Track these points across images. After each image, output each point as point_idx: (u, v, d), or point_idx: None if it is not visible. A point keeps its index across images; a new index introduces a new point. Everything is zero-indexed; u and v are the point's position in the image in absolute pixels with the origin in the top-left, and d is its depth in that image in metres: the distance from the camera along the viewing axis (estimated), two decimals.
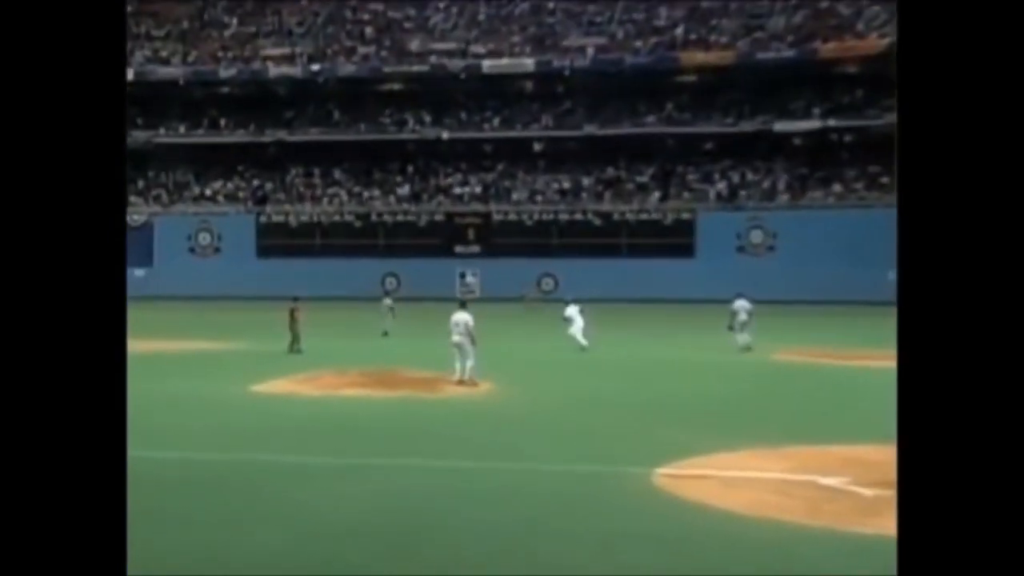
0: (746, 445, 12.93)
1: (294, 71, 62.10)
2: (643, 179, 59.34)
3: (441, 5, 65.80)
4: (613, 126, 59.52)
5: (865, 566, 7.82)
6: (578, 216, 56.99)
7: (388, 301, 33.18)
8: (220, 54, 63.77)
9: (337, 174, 62.26)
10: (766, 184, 57.59)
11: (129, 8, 51.34)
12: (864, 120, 53.91)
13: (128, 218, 53.17)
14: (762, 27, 59.90)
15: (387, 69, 61.78)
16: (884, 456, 9.55)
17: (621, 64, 59.67)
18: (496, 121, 61.61)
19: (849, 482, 10.55)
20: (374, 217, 58.61)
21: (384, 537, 8.77)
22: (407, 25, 64.82)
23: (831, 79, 57.12)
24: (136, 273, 49.63)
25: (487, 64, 60.70)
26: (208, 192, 62.30)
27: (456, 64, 61.02)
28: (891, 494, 7.21)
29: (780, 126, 57.04)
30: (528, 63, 60.68)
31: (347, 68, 61.92)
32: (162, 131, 62.64)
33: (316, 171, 62.37)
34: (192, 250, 58.93)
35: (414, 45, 62.81)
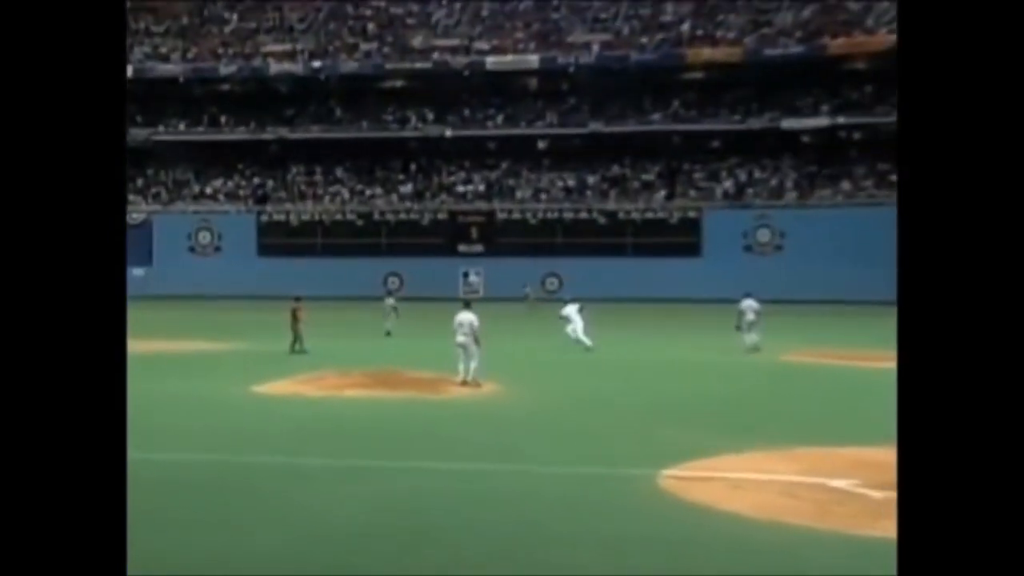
0: (753, 447, 12.92)
1: (295, 68, 62.13)
2: (649, 177, 59.31)
3: (444, 1, 65.80)
4: (618, 123, 59.49)
5: (875, 570, 7.81)
6: (583, 215, 56.98)
7: (391, 301, 33.20)
8: (220, 50, 63.83)
9: (339, 172, 62.29)
10: (774, 182, 57.54)
11: (128, 3, 51.37)
12: (873, 117, 53.82)
13: (127, 217, 53.20)
14: (770, 23, 59.84)
15: (389, 66, 61.79)
16: (894, 458, 9.50)
17: (626, 61, 59.63)
18: (500, 118, 61.60)
19: (858, 484, 10.53)
20: (376, 216, 58.63)
21: (386, 539, 8.77)
22: (409, 21, 64.83)
23: (840, 76, 57.06)
24: (135, 272, 49.64)
25: (491, 61, 60.69)
26: (208, 190, 62.36)
27: (459, 61, 61.01)
28: None
29: (788, 123, 56.96)
30: (532, 60, 60.66)
31: (349, 65, 61.94)
32: (161, 128, 62.71)
33: (318, 169, 62.41)
34: (192, 249, 58.99)
35: (417, 42, 62.81)
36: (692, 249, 54.51)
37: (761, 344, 25.90)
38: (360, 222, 58.48)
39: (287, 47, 63.63)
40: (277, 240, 58.00)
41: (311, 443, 13.56)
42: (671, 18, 62.03)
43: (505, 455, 12.61)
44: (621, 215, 56.59)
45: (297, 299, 26.23)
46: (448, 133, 60.87)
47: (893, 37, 52.46)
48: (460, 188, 60.29)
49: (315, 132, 61.97)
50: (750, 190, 57.25)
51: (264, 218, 59.45)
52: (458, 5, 65.56)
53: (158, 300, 46.89)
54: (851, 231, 49.89)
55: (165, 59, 63.50)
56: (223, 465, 11.88)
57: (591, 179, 59.42)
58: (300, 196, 60.93)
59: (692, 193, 57.83)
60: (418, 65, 61.30)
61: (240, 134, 62.37)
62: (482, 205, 58.53)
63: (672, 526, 9.26)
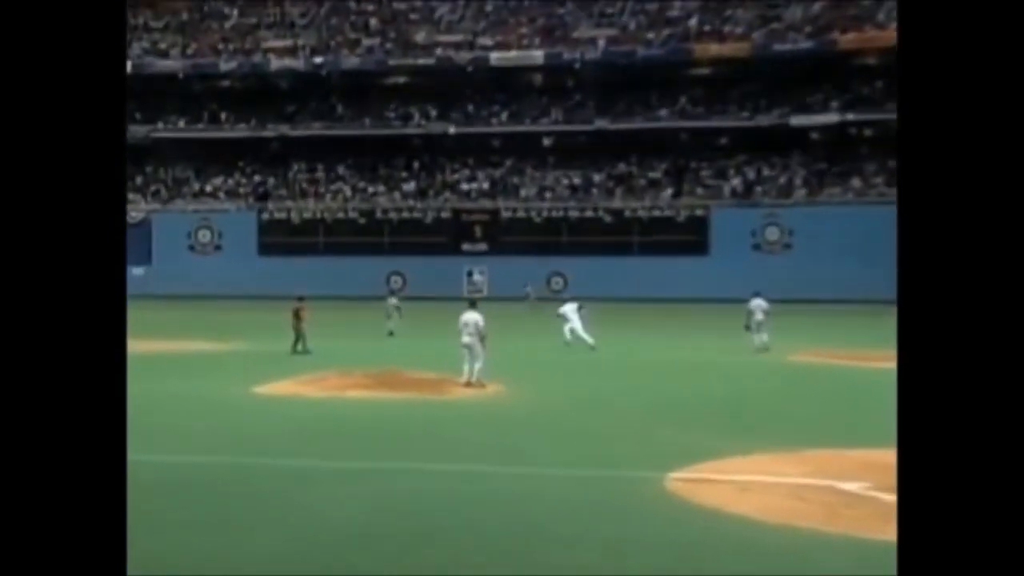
0: (761, 448, 12.92)
1: (296, 64, 62.22)
2: (655, 175, 59.30)
3: None
4: (625, 120, 59.49)
5: (884, 573, 7.80)
6: (588, 213, 57.00)
7: (393, 300, 33.24)
8: (220, 46, 63.92)
9: (341, 170, 62.36)
10: (782, 180, 57.50)
11: None
12: (884, 113, 53.74)
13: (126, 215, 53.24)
14: (779, 18, 59.80)
15: (392, 62, 61.86)
16: None
17: (633, 56, 59.64)
18: (504, 115, 61.63)
19: (868, 487, 10.52)
20: (379, 214, 58.69)
21: (386, 541, 8.79)
22: (412, 16, 64.88)
23: (850, 71, 57.04)
24: (134, 272, 49.74)
25: (495, 56, 60.73)
26: (208, 188, 62.45)
27: (463, 56, 61.06)
28: None
29: (797, 120, 56.93)
30: (537, 55, 60.70)
31: (351, 61, 62.01)
32: (161, 125, 62.82)
33: (319, 167, 62.48)
34: (192, 248, 59.10)
35: (420, 37, 62.85)
36: (699, 248, 54.51)
37: (770, 344, 25.91)
38: (362, 220, 58.55)
39: (288, 43, 63.71)
40: (278, 239, 58.08)
41: (312, 444, 13.58)
42: (678, 13, 62.02)
43: (508, 456, 12.62)
44: (627, 213, 56.60)
45: (300, 299, 26.26)
46: (452, 130, 60.92)
47: None
48: (464, 186, 60.32)
49: (317, 129, 62.05)
50: (758, 188, 57.22)
51: (265, 216, 59.53)
52: (462, 0, 65.59)
53: (158, 300, 46.96)
54: (861, 229, 49.83)
55: (164, 55, 63.62)
56: (223, 466, 11.91)
57: (597, 177, 59.41)
58: (301, 194, 61.01)
59: (699, 191, 57.82)
60: (421, 61, 61.36)
61: (240, 131, 62.46)
62: (486, 203, 58.56)
63: (679, 529, 9.26)
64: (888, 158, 54.00)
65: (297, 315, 25.64)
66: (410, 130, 61.84)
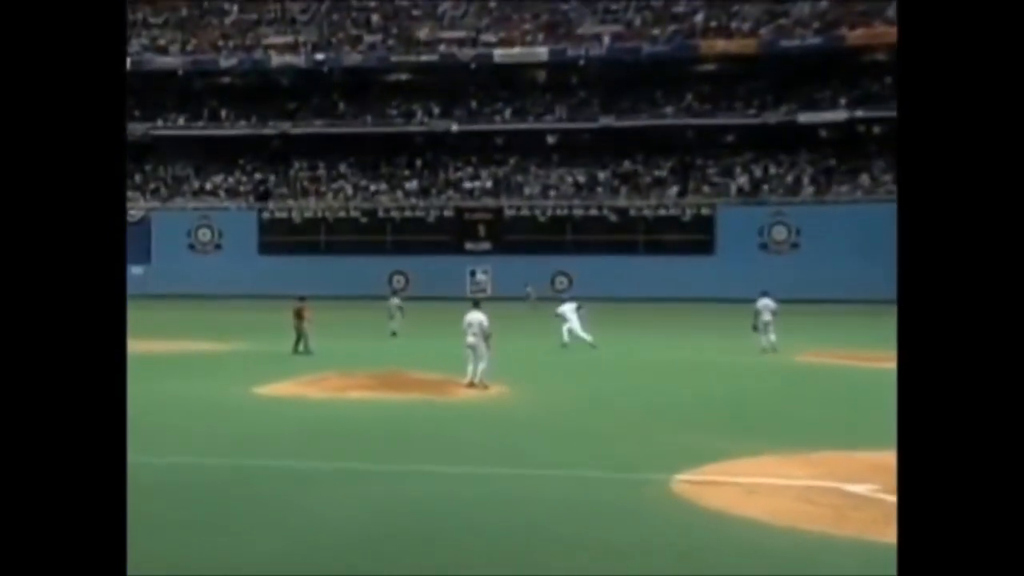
0: (768, 450, 12.92)
1: (298, 61, 62.27)
2: (661, 173, 59.29)
3: None
4: (630, 118, 59.47)
5: None
6: (593, 211, 57.00)
7: (396, 300, 33.27)
8: (220, 43, 63.98)
9: (342, 168, 62.40)
10: (790, 178, 57.47)
11: None
12: (893, 111, 53.49)
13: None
14: (786, 13, 59.77)
15: (394, 59, 61.90)
16: None
17: (638, 53, 59.64)
18: (508, 113, 61.64)
19: (877, 489, 10.52)
20: (381, 213, 58.73)
21: (388, 544, 8.80)
22: (415, 13, 64.91)
23: (859, 68, 57.00)
24: (134, 271, 49.77)
25: (498, 53, 60.75)
26: (208, 186, 62.51)
27: (466, 53, 61.08)
28: None
29: (805, 117, 56.89)
30: (541, 52, 60.70)
31: (353, 57, 62.05)
32: (160, 123, 62.90)
33: (320, 165, 62.53)
34: (192, 247, 59.17)
35: (422, 34, 62.89)
36: (705, 247, 54.50)
37: (778, 345, 25.90)
38: (364, 219, 58.58)
39: (289, 39, 63.76)
40: (279, 238, 58.14)
41: (313, 446, 13.59)
42: (684, 9, 62.01)
43: (511, 458, 12.62)
44: (632, 212, 56.60)
45: (301, 299, 26.28)
46: (455, 128, 60.95)
47: None
48: (467, 184, 60.34)
49: (318, 127, 62.10)
50: (765, 186, 57.19)
51: (266, 215, 59.59)
52: None
53: (157, 299, 47.02)
54: (870, 228, 49.72)
55: (164, 51, 63.69)
56: (223, 468, 11.92)
57: (602, 175, 59.42)
58: (303, 192, 61.06)
59: (706, 189, 57.80)
60: (424, 58, 61.39)
61: (241, 129, 62.53)
62: (490, 202, 58.58)
63: (684, 531, 9.26)
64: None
65: (298, 315, 25.66)
66: (413, 128, 61.88)
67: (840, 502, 10.22)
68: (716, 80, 60.23)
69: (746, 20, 60.13)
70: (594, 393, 19.06)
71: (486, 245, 56.88)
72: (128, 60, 58.04)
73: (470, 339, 19.21)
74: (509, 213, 57.70)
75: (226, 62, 62.82)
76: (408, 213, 58.54)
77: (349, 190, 60.87)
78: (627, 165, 59.84)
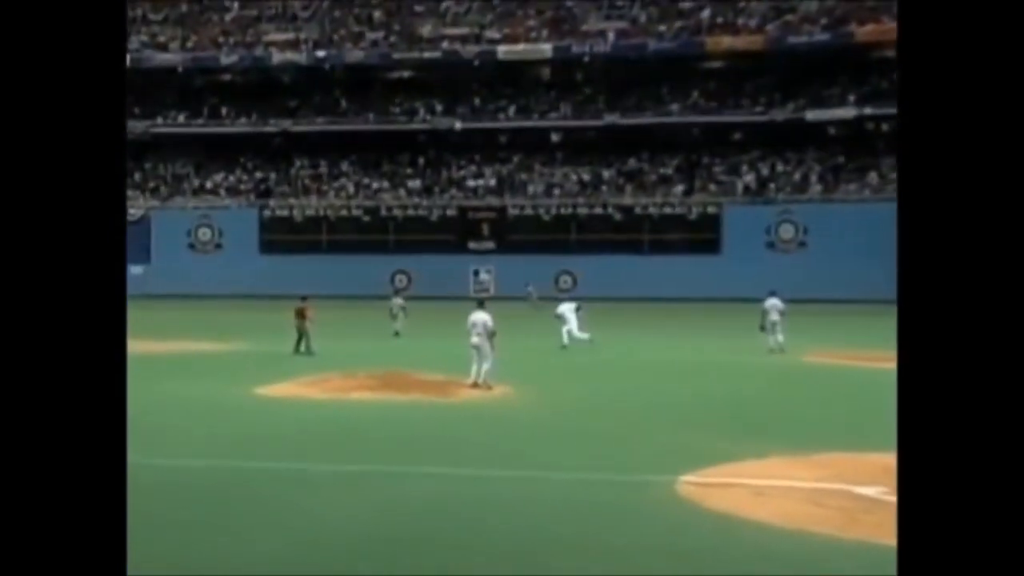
0: (775, 452, 12.91)
1: (299, 57, 62.30)
2: (667, 171, 59.27)
3: None
4: (635, 115, 59.47)
5: None
6: (598, 210, 56.98)
7: (399, 300, 33.29)
8: (221, 39, 64.03)
9: (344, 166, 62.43)
10: (797, 176, 57.42)
11: None
12: None
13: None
14: (793, 9, 59.74)
15: (397, 55, 61.91)
16: None
17: (644, 49, 59.62)
18: (512, 110, 61.65)
19: (886, 492, 10.50)
20: (383, 211, 58.75)
21: (389, 546, 8.80)
22: (418, 9, 64.92)
23: (867, 64, 56.88)
24: (133, 270, 49.84)
25: (502, 50, 60.75)
26: (209, 185, 62.57)
27: (470, 50, 61.09)
28: None
29: (813, 115, 56.86)
30: (545, 48, 60.70)
31: (355, 54, 62.08)
32: (160, 120, 62.97)
33: (322, 163, 62.57)
34: (192, 246, 59.23)
35: (425, 30, 62.91)
36: (712, 246, 54.48)
37: (786, 345, 25.89)
38: (366, 218, 58.62)
39: (290, 36, 63.81)
40: (280, 237, 58.20)
41: (314, 447, 13.61)
42: (690, 5, 61.98)
43: (515, 460, 12.62)
44: (638, 210, 56.58)
45: (304, 298, 26.30)
46: (458, 125, 60.97)
47: None
48: (470, 183, 60.36)
49: (320, 124, 62.15)
50: (772, 184, 57.16)
51: (267, 214, 59.64)
52: None
53: (157, 299, 47.09)
54: (878, 227, 49.45)
55: (164, 48, 63.75)
56: (224, 469, 11.93)
57: (606, 173, 59.41)
58: (304, 191, 61.10)
59: (712, 187, 57.78)
60: (427, 55, 61.41)
61: (242, 126, 62.59)
62: (493, 200, 58.59)
63: (691, 534, 9.26)
64: None
65: (300, 315, 25.67)
66: (415, 125, 61.89)
67: (849, 504, 10.21)
68: (723, 77, 60.20)
69: (753, 16, 60.10)
70: (599, 394, 19.06)
71: (489, 244, 56.90)
72: (128, 57, 58.14)
73: (474, 339, 19.21)
74: (513, 212, 57.70)
75: (227, 59, 62.88)
76: (411, 212, 58.56)
77: (351, 188, 60.91)
78: (632, 163, 59.83)
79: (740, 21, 59.99)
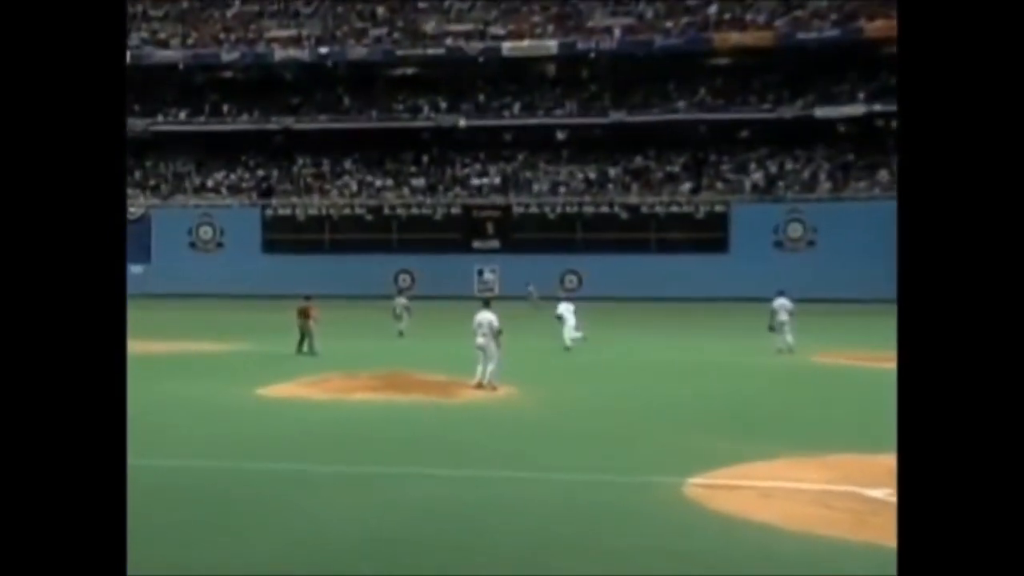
0: (783, 453, 12.91)
1: (301, 54, 62.33)
2: (674, 169, 59.23)
3: None
4: (642, 112, 59.42)
5: None
6: (604, 209, 56.95)
7: (403, 300, 33.30)
8: (222, 36, 64.09)
9: (347, 164, 62.46)
10: (806, 174, 57.36)
11: None
12: None
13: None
14: (802, 5, 59.66)
15: (400, 52, 61.92)
16: None
17: (650, 46, 59.57)
18: (516, 107, 61.63)
19: (895, 494, 10.49)
20: (387, 210, 58.77)
21: (390, 548, 8.82)
22: (421, 5, 64.92)
23: (877, 60, 56.74)
24: (133, 270, 49.88)
25: (507, 46, 60.74)
26: (210, 183, 62.64)
27: (474, 47, 61.08)
28: None
29: (822, 111, 56.77)
30: (551, 45, 60.68)
31: (358, 51, 62.09)
32: (160, 118, 63.03)
33: (325, 161, 62.60)
34: (193, 245, 59.28)
35: (429, 26, 62.91)
36: (719, 245, 54.42)
37: (795, 346, 25.87)
38: (369, 217, 58.63)
39: (292, 32, 63.85)
40: (282, 236, 58.23)
41: (316, 448, 13.64)
42: (697, 1, 61.91)
43: (519, 461, 12.63)
44: (644, 209, 56.54)
45: (307, 298, 26.33)
46: (462, 123, 60.96)
47: None
48: (475, 181, 60.36)
49: (322, 122, 62.17)
50: (781, 182, 57.09)
51: (269, 212, 59.68)
52: None
53: (157, 299, 47.16)
54: (888, 226, 49.20)
55: (164, 45, 63.81)
56: (225, 470, 11.96)
57: (613, 171, 59.38)
58: (306, 189, 61.14)
59: (719, 186, 57.73)
60: (430, 51, 61.41)
61: (243, 124, 62.63)
62: (498, 199, 58.58)
63: (696, 536, 9.26)
64: None
65: (304, 314, 25.69)
66: (419, 123, 61.89)
67: (858, 507, 10.21)
68: (730, 74, 60.14)
69: (761, 12, 60.05)
70: (605, 394, 19.06)
71: (494, 243, 56.89)
72: (128, 54, 58.22)
73: (480, 340, 19.21)
74: (518, 210, 57.69)
75: (228, 56, 62.93)
76: (414, 210, 58.57)
77: (354, 187, 60.94)
78: (639, 161, 59.79)
79: (748, 17, 59.94)
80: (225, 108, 63.49)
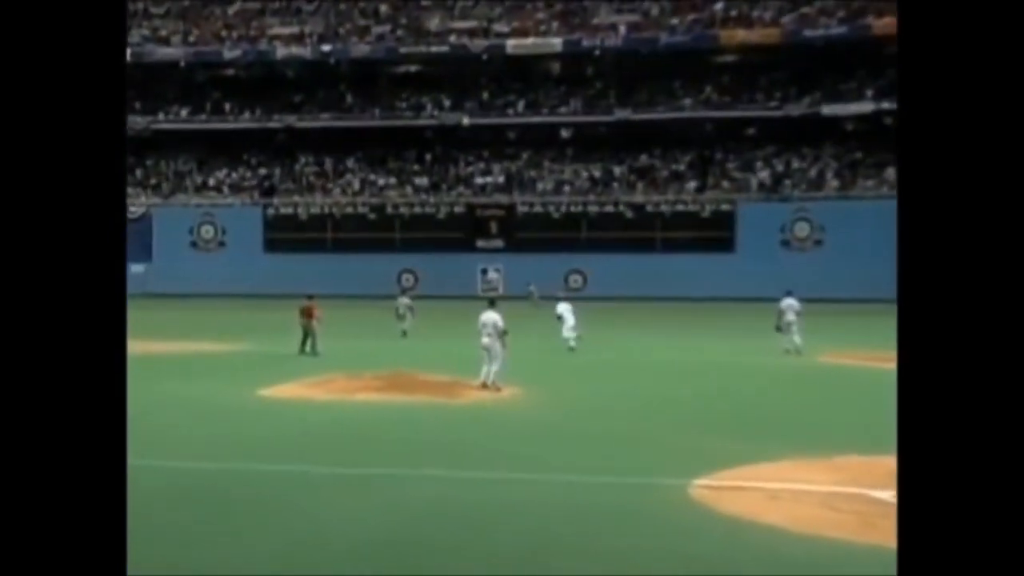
0: (790, 454, 12.90)
1: (304, 52, 62.36)
2: (679, 167, 59.20)
3: None
4: (647, 110, 59.40)
5: None
6: (609, 208, 56.93)
7: (406, 300, 33.30)
8: (224, 33, 64.13)
9: (350, 163, 62.50)
10: (813, 172, 57.31)
11: None
12: None
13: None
14: (809, 2, 59.59)
15: (403, 50, 61.93)
16: None
17: (656, 43, 59.53)
18: (521, 105, 61.63)
19: None
20: (389, 209, 58.78)
21: (391, 550, 8.83)
22: (425, 2, 64.94)
23: (885, 58, 56.63)
24: (134, 269, 49.98)
25: (511, 44, 60.73)
26: (211, 182, 62.69)
27: (478, 44, 61.08)
28: None
29: (829, 109, 56.72)
30: (555, 42, 60.66)
31: (360, 49, 62.11)
32: (161, 116, 63.09)
33: (327, 160, 62.63)
34: (194, 244, 59.33)
35: (432, 24, 62.93)
36: (725, 244, 54.38)
37: (803, 347, 25.85)
38: (372, 216, 58.64)
39: (295, 29, 63.87)
40: (284, 235, 58.27)
41: (318, 449, 13.65)
42: None
43: (521, 462, 12.63)
44: (650, 208, 56.51)
45: (310, 297, 26.35)
46: (466, 121, 60.95)
47: None
48: (478, 180, 60.36)
49: (325, 120, 62.19)
50: (788, 181, 57.04)
51: (271, 211, 59.72)
52: None
53: (158, 298, 47.23)
54: (896, 225, 49.41)
55: (165, 42, 63.86)
56: (226, 471, 11.98)
57: (618, 170, 59.36)
58: (309, 188, 61.18)
59: (725, 184, 57.69)
60: (434, 49, 61.41)
61: (245, 122, 62.67)
62: (502, 198, 58.57)
63: (701, 538, 9.26)
64: None
65: (307, 314, 25.70)
66: (422, 121, 61.89)
67: (865, 509, 10.21)
68: (737, 71, 60.09)
69: (768, 9, 59.99)
70: (609, 395, 19.06)
71: (498, 242, 56.89)
72: (129, 51, 58.28)
73: (485, 340, 19.21)
74: (522, 209, 57.68)
75: (230, 53, 62.97)
76: (417, 209, 58.58)
77: (357, 185, 60.97)
78: (644, 159, 59.77)
79: (755, 14, 59.88)
80: (227, 106, 63.54)
